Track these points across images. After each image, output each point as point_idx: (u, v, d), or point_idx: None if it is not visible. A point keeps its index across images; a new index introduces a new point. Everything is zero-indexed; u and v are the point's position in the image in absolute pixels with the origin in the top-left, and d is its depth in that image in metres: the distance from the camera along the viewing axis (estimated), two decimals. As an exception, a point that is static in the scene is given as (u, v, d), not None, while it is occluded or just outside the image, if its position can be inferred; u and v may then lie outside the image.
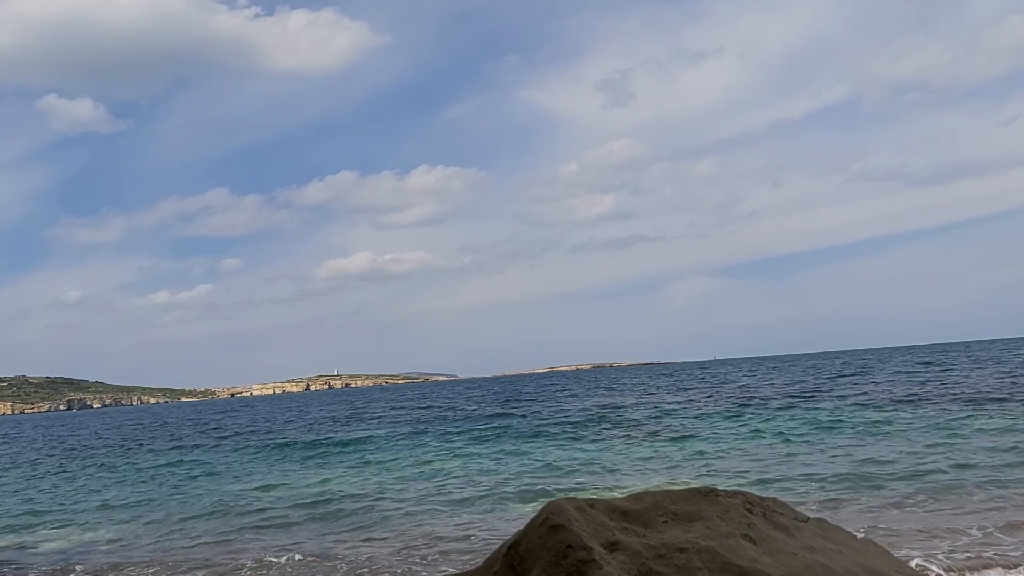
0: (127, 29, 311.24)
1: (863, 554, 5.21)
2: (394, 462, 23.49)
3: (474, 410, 47.15)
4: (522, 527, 4.73)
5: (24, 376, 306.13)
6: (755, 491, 5.69)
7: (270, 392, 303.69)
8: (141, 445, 41.11)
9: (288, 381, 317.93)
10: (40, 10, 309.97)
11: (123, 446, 41.72)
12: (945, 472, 15.19)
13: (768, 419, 27.22)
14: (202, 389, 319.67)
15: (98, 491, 23.04)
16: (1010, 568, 8.99)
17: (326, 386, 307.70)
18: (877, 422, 23.76)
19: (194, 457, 31.12)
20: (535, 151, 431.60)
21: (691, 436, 23.96)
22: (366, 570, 11.32)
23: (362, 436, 33.45)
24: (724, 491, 5.29)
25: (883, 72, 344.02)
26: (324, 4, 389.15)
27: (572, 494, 10.92)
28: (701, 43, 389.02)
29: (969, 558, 9.48)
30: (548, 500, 4.89)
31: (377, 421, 44.13)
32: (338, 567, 11.58)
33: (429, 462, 22.76)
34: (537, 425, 31.82)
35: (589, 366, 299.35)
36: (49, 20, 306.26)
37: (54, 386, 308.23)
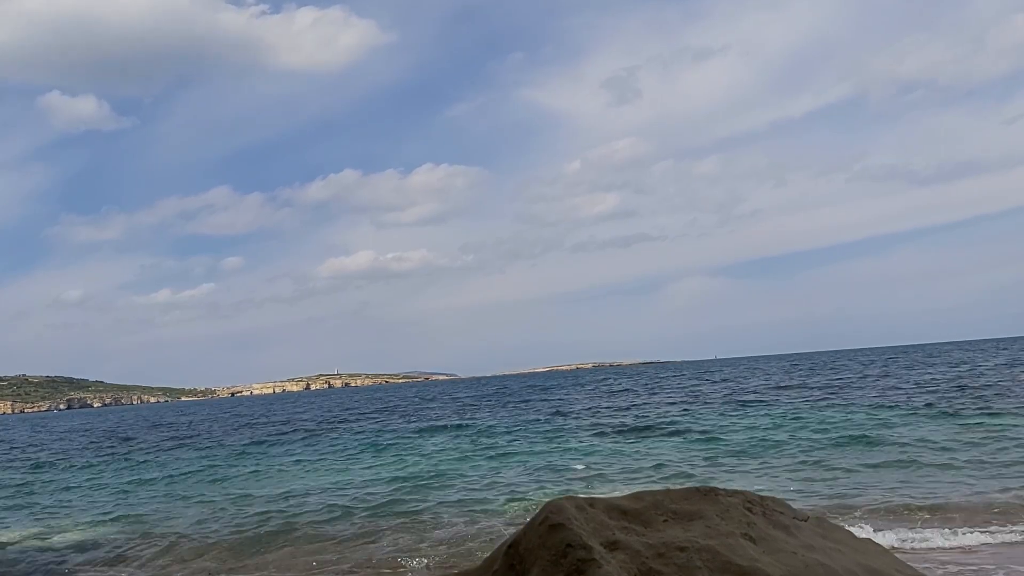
0: (131, 26, 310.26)
1: (863, 553, 5.21)
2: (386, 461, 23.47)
3: (475, 403, 47.14)
4: (522, 526, 4.74)
5: (24, 375, 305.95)
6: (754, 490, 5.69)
7: (270, 391, 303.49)
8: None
9: (288, 380, 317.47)
10: (43, 7, 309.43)
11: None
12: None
13: (772, 416, 27.20)
14: (202, 388, 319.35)
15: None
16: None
17: (326, 385, 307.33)
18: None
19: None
20: (537, 150, 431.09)
21: (691, 434, 23.95)
22: (362, 570, 11.31)
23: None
24: (724, 490, 5.30)
25: (886, 71, 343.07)
26: (333, 1, 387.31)
27: (571, 493, 10.91)
28: (703, 42, 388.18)
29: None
30: (548, 499, 4.89)
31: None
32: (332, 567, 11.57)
33: (434, 461, 22.72)
34: (534, 421, 31.82)
35: (590, 365, 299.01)
36: (52, 17, 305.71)
37: (54, 385, 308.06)
